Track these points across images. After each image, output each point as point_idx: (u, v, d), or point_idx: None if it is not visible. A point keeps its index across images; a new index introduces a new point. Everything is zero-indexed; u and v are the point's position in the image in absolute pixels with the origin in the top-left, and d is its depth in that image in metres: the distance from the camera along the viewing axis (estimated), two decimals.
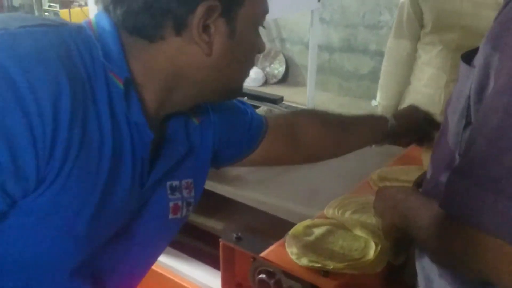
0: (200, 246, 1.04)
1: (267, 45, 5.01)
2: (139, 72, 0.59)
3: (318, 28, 1.48)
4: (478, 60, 0.56)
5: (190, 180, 0.71)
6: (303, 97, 3.12)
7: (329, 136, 0.91)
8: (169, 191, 0.68)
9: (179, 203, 0.70)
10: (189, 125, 0.70)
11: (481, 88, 0.55)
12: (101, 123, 0.54)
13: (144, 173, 0.62)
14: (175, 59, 0.60)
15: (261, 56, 4.95)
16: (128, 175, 0.59)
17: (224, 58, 0.61)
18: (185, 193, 0.70)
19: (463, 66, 0.61)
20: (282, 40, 4.88)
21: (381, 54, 4.24)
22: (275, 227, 0.95)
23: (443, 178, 0.66)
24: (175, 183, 0.69)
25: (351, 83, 4.46)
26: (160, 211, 0.68)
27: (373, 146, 1.35)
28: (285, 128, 0.87)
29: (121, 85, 0.56)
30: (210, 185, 1.09)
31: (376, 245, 0.82)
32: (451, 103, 0.65)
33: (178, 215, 0.70)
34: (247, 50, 0.66)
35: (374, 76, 4.27)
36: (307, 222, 0.89)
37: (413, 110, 1.04)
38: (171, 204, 0.69)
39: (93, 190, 0.55)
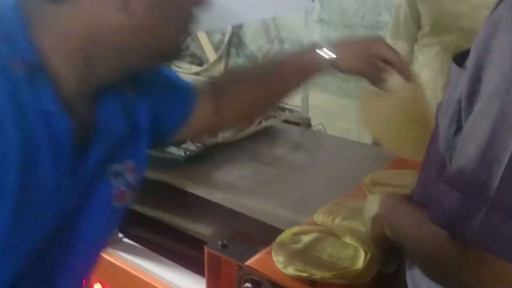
0: (186, 252, 1.01)
1: (266, 46, 4.99)
2: (50, 45, 0.51)
3: (313, 28, 1.45)
4: (470, 62, 0.54)
5: (131, 162, 0.64)
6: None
7: (251, 92, 0.82)
8: (110, 177, 0.61)
9: (123, 188, 0.63)
10: (124, 99, 0.62)
11: (472, 91, 0.52)
12: (1, 122, 0.48)
13: (74, 163, 0.56)
14: (89, 22, 0.52)
15: (259, 57, 4.92)
16: (49, 171, 0.53)
17: (147, 14, 0.53)
18: (128, 176, 0.63)
19: (454, 68, 0.58)
20: (281, 41, 4.85)
21: None
22: (264, 234, 0.92)
23: (434, 185, 0.63)
24: (116, 167, 0.62)
25: (350, 84, 4.42)
26: (104, 200, 0.61)
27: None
28: (209, 93, 0.78)
29: (24, 72, 0.49)
30: (198, 190, 1.07)
31: (366, 253, 0.80)
32: (442, 106, 0.62)
33: (123, 201, 0.64)
34: (177, 2, 0.57)
35: None
36: (296, 229, 0.87)
37: (367, 42, 0.85)
38: (114, 190, 0.62)
39: (0, 198, 0.49)
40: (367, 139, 1.95)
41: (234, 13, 1.28)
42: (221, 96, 0.79)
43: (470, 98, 0.52)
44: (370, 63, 0.83)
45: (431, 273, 0.60)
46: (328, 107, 4.15)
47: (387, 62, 0.84)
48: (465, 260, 0.49)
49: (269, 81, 0.84)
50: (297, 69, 0.84)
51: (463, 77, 0.54)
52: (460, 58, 0.58)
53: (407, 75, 0.85)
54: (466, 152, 0.50)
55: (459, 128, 0.56)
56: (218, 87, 0.81)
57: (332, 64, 0.82)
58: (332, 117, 4.00)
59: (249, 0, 1.45)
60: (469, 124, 0.51)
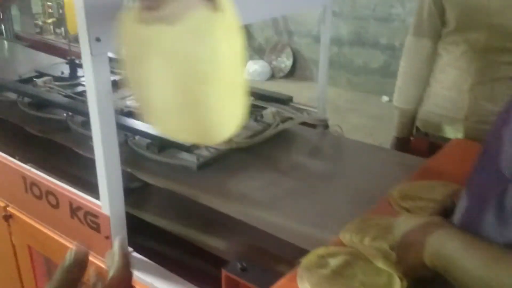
0: (200, 269, 0.95)
1: (274, 38, 4.89)
2: None
3: (331, 24, 1.37)
4: None
5: None
6: (311, 92, 3.00)
7: None
8: None
9: None
10: None
11: None
12: None
13: None
14: None
15: (267, 49, 4.82)
16: None
17: None
18: None
19: None
20: (290, 33, 4.75)
21: (392, 48, 4.14)
22: (285, 253, 0.85)
23: (491, 209, 0.56)
24: None
25: (360, 78, 4.33)
26: None
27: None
28: None
29: None
30: (214, 202, 0.99)
31: (401, 280, 0.72)
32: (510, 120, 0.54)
33: None
34: None
35: (384, 71, 4.15)
36: (321, 250, 0.79)
37: None
38: None
39: None
40: (380, 137, 1.87)
41: (247, 10, 1.18)
42: None
43: None
44: None
45: None
46: (337, 101, 4.06)
47: None
48: None
49: None
50: None
51: None
52: None
53: None
54: None
55: None
56: None
57: None
58: (342, 111, 3.92)
59: None
60: None
